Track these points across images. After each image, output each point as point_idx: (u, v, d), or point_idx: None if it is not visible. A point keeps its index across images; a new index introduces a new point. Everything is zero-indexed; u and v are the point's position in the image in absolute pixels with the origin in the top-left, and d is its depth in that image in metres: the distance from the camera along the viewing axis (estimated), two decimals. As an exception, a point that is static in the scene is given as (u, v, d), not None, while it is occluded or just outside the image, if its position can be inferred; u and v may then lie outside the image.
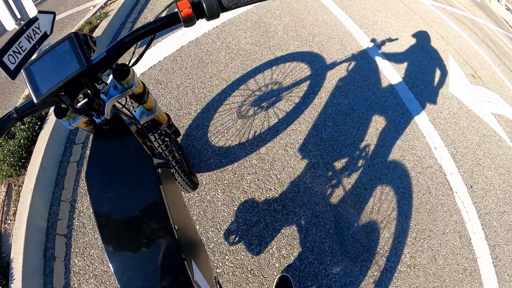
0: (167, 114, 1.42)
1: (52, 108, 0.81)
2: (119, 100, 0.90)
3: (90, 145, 0.82)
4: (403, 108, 2.54)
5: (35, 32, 1.74)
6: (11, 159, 2.07)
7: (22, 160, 2.11)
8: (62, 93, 0.69)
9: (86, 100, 0.69)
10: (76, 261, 1.84)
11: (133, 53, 0.97)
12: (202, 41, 3.00)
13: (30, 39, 1.69)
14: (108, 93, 0.84)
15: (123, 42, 0.77)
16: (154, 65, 2.70)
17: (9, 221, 1.98)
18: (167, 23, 0.75)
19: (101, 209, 0.73)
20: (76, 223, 1.96)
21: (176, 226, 0.73)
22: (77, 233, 1.93)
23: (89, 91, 0.70)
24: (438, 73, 2.97)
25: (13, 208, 2.01)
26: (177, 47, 2.92)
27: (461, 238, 1.97)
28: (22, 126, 2.21)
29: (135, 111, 1.22)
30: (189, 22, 0.73)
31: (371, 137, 2.35)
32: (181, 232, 0.76)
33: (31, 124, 2.24)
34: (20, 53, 1.57)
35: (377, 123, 2.43)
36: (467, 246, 1.95)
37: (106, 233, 0.71)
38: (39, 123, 2.28)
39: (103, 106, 0.75)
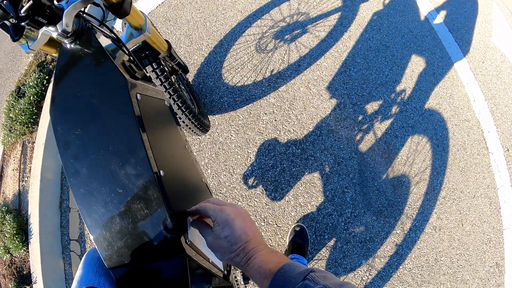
0: (167, 41, 1.22)
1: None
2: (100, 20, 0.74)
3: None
4: (442, 51, 2.23)
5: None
6: (23, 117, 2.08)
7: (34, 117, 2.12)
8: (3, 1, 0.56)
9: (31, 2, 0.55)
10: (91, 211, 1.75)
11: None
12: (212, -31, 2.63)
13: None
14: None
15: None
16: (162, 3, 2.42)
17: (26, 179, 1.99)
18: None
19: (69, 151, 0.58)
20: (90, 173, 1.85)
21: (161, 172, 0.58)
22: (91, 183, 1.82)
23: None
24: (480, 19, 2.61)
25: (29, 165, 2.02)
26: (186, -20, 2.57)
27: (491, 205, 1.81)
28: (31, 83, 2.19)
29: (121, 34, 0.99)
30: None
31: (406, 79, 2.07)
32: (170, 180, 0.61)
33: (39, 80, 2.19)
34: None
35: (413, 64, 2.13)
36: (495, 214, 1.79)
37: (76, 182, 0.57)
38: (47, 77, 2.23)
39: (61, 14, 0.59)
